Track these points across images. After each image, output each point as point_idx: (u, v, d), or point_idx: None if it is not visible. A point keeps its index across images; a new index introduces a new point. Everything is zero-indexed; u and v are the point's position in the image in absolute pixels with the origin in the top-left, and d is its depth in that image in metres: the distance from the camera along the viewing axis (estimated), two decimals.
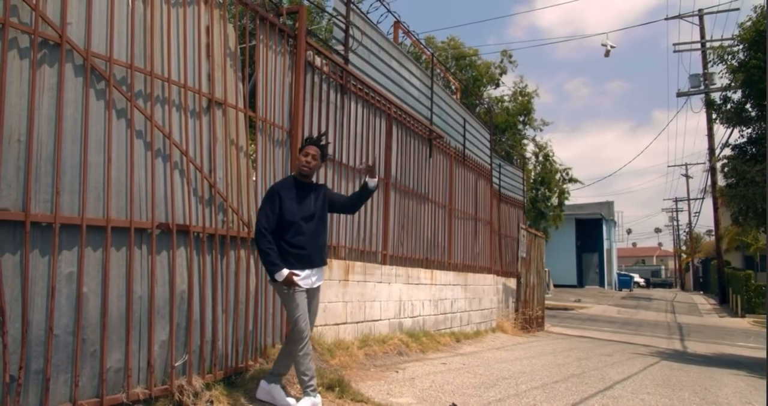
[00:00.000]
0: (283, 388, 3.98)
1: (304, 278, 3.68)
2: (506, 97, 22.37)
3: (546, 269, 15.86)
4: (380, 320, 6.70)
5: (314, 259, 3.75)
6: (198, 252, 3.75)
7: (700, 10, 23.28)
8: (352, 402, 4.11)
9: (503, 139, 18.88)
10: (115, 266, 3.18)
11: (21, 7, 2.83)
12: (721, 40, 17.55)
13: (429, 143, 8.58)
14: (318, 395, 3.71)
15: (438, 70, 11.54)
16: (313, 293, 3.85)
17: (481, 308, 10.25)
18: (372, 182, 3.90)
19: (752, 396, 5.69)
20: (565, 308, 20.26)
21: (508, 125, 21.24)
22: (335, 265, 5.80)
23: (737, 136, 10.18)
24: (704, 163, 27.15)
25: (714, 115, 14.71)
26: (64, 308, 2.91)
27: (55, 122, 2.92)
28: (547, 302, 14.16)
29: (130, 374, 3.19)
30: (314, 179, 3.94)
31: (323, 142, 3.88)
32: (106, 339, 3.08)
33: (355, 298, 6.16)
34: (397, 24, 9.33)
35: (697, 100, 23.02)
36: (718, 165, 14.99)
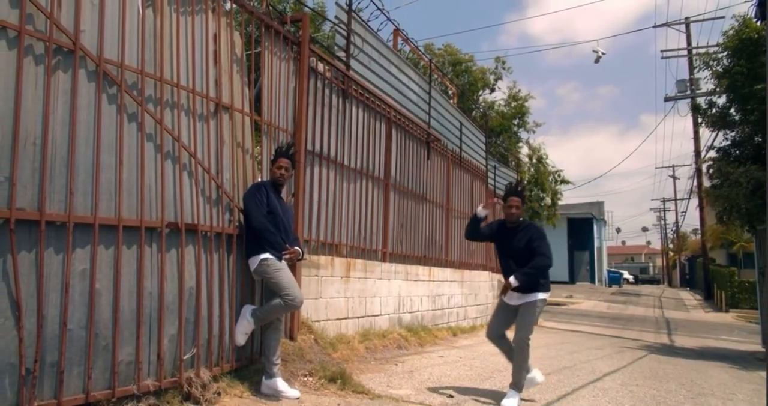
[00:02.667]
0: (286, 381, 3.99)
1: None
2: (501, 102, 22.36)
3: None
4: (380, 315, 6.70)
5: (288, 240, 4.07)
6: (206, 250, 3.74)
7: (686, 19, 23.25)
8: (353, 394, 4.11)
9: (498, 142, 18.88)
10: (127, 264, 3.17)
11: (36, 16, 2.82)
12: (707, 47, 17.52)
13: (427, 146, 8.57)
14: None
15: (435, 76, 11.53)
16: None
17: (477, 304, 10.26)
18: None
19: (736, 388, 5.69)
20: (557, 304, 20.25)
21: (503, 128, 21.23)
22: (337, 262, 5.80)
23: (722, 139, 10.18)
24: (690, 165, 27.15)
25: (700, 119, 14.69)
26: (78, 304, 2.90)
27: (68, 126, 2.92)
28: None
29: (140, 366, 3.19)
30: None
31: (292, 152, 4.20)
32: (117, 333, 3.07)
33: (356, 294, 6.16)
34: (397, 31, 9.34)
35: (684, 105, 23.04)
36: (704, 167, 14.99)
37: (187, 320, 3.54)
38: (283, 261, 3.93)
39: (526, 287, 4.17)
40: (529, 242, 4.22)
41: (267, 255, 3.84)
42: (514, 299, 4.27)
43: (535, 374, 4.38)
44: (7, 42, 2.69)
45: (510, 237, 4.35)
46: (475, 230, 4.51)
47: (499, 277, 11.91)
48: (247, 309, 3.94)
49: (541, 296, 4.23)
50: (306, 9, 12.82)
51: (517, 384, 4.16)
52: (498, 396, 4.34)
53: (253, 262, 3.90)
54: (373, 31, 7.25)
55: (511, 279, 4.14)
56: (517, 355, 4.17)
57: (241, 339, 3.91)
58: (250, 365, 4.12)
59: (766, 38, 8.49)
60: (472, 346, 7.50)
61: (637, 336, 11.55)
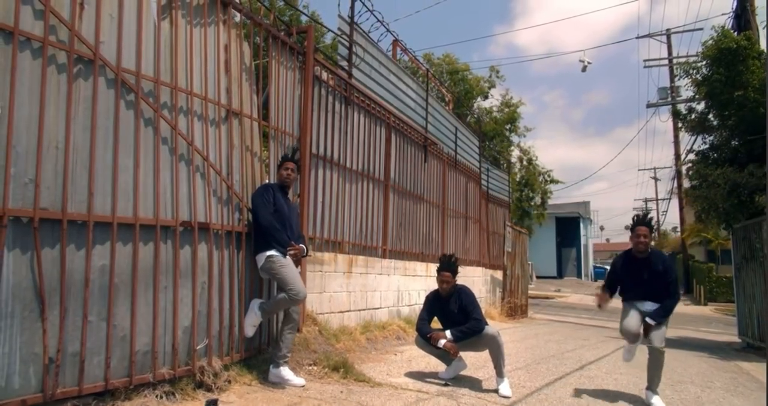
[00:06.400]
0: (292, 370, 3.99)
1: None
2: (494, 108, 22.38)
3: (529, 262, 15.86)
4: (380, 308, 6.70)
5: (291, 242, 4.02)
6: (217, 247, 3.75)
7: (667, 30, 23.23)
8: (355, 382, 4.12)
9: (491, 146, 18.88)
10: (143, 260, 3.18)
11: (59, 27, 2.83)
12: (687, 56, 17.52)
13: (424, 149, 8.57)
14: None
15: (432, 84, 11.54)
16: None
17: None
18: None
19: (714, 376, 5.69)
20: (547, 297, 20.27)
21: (496, 133, 21.26)
22: (340, 259, 5.81)
23: (700, 143, 10.20)
24: (671, 167, 27.14)
25: (680, 124, 14.71)
26: (97, 297, 2.91)
27: (89, 130, 2.92)
28: (530, 291, 14.16)
29: (156, 356, 3.20)
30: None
31: (297, 157, 4.29)
32: (134, 325, 3.08)
33: (358, 288, 6.16)
34: (396, 42, 9.34)
35: (665, 111, 23.02)
36: (684, 169, 14.99)
37: (199, 312, 3.55)
38: (288, 258, 3.93)
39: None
40: (461, 308, 4.45)
41: (273, 252, 3.85)
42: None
43: (461, 363, 4.61)
44: (31, 52, 2.70)
45: (445, 305, 4.54)
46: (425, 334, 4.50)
47: (492, 272, 11.93)
48: (255, 303, 3.95)
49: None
50: (309, 20, 12.81)
51: (501, 371, 4.24)
52: (490, 384, 4.34)
53: (260, 258, 3.90)
54: (373, 41, 7.26)
55: (448, 333, 4.33)
56: (495, 350, 4.27)
57: (249, 331, 3.92)
58: (258, 355, 4.12)
59: (766, 44, 8.53)
60: None
61: None
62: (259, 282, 4.19)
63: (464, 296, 4.51)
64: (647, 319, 4.09)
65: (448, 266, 4.53)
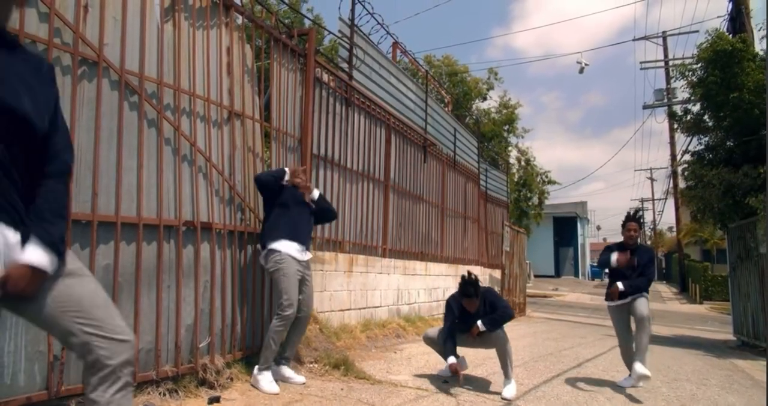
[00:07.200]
0: (293, 368, 3.99)
1: (298, 251, 3.85)
2: (493, 110, 22.40)
3: (527, 261, 15.85)
4: (380, 306, 6.71)
5: (302, 236, 3.93)
6: (219, 246, 3.75)
7: (663, 32, 23.23)
8: (355, 379, 4.12)
9: (490, 147, 18.88)
10: (146, 259, 3.18)
11: (63, 30, 2.83)
12: (683, 58, 17.52)
13: (424, 150, 8.58)
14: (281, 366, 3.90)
15: (432, 86, 11.54)
16: (303, 280, 3.90)
17: None
18: (315, 195, 4.16)
19: (709, 374, 5.69)
20: (544, 296, 20.26)
21: (494, 134, 21.26)
22: (340, 258, 5.81)
23: (696, 143, 10.19)
24: (667, 167, 27.13)
25: (676, 126, 14.70)
26: None
27: (93, 131, 2.92)
28: (528, 290, 14.16)
29: (159, 354, 3.20)
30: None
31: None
32: (138, 323, 3.08)
33: (358, 287, 6.16)
34: (396, 44, 9.35)
35: (661, 112, 23.00)
36: (679, 169, 14.96)
37: (202, 310, 3.55)
38: (294, 270, 3.75)
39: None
40: (489, 309, 4.23)
41: (278, 246, 3.74)
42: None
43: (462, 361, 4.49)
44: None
45: (470, 316, 4.27)
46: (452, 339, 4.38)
47: (491, 271, 11.93)
48: (273, 366, 3.77)
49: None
50: (311, 23, 12.82)
51: (507, 373, 4.12)
52: (488, 381, 4.34)
53: (265, 248, 3.81)
54: (373, 43, 7.26)
55: (479, 323, 4.14)
56: (501, 351, 4.16)
57: (271, 388, 3.59)
58: (260, 353, 4.12)
59: (766, 46, 8.53)
60: None
61: None
62: (261, 280, 4.19)
63: (490, 299, 4.30)
64: (622, 285, 4.64)
65: (471, 292, 4.16)
